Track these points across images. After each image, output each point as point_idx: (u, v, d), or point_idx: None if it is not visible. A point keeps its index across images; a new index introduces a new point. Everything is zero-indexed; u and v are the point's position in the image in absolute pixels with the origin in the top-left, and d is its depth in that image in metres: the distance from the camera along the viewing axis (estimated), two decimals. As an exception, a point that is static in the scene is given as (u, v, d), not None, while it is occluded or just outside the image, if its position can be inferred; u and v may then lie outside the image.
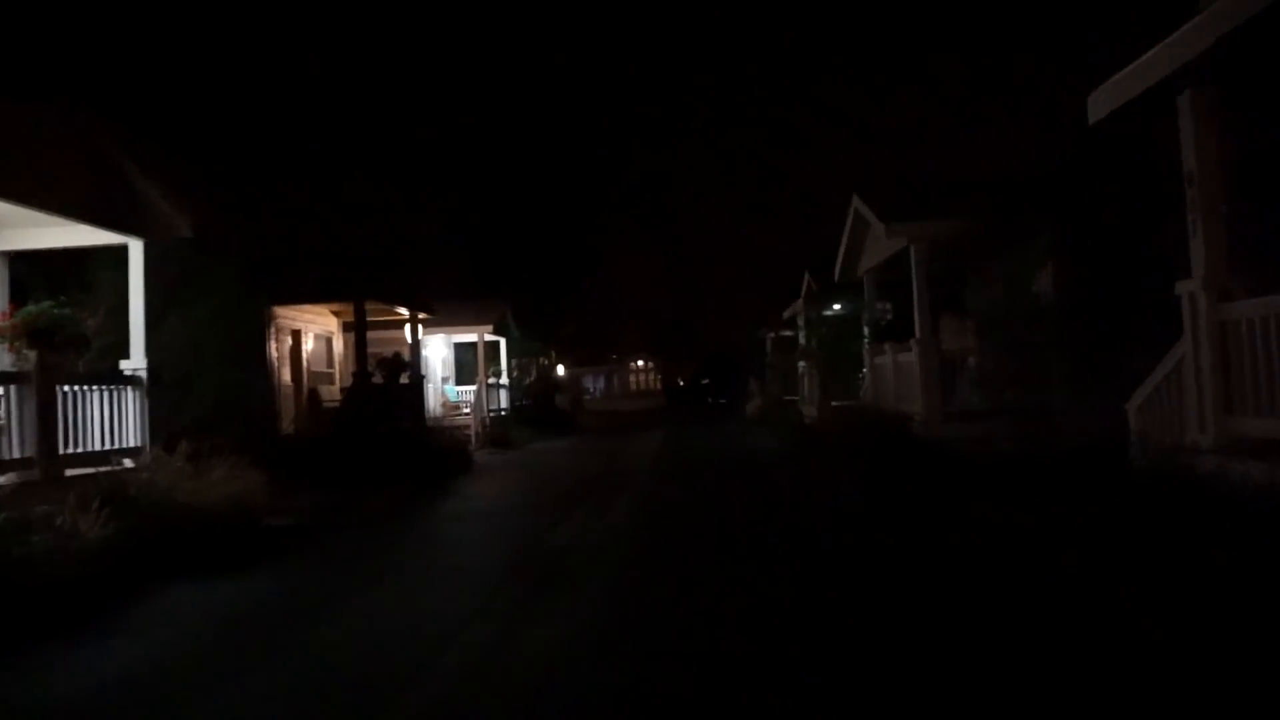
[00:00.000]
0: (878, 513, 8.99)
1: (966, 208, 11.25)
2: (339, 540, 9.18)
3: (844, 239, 14.34)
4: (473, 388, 23.49)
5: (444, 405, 24.74)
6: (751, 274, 35.32)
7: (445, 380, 25.74)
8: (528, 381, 33.18)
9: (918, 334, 11.41)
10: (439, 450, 15.82)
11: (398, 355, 16.38)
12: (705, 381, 52.85)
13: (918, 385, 11.34)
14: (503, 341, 26.39)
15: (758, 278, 34.58)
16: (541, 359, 36.21)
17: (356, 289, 14.78)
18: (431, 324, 22.87)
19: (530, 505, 11.35)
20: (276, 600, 6.45)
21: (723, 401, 46.84)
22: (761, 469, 14.07)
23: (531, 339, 32.87)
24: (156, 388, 8.94)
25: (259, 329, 14.66)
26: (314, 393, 16.42)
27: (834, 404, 19.28)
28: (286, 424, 15.53)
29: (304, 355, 16.57)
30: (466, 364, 26.08)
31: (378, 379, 16.21)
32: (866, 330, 20.97)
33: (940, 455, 10.26)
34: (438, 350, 25.40)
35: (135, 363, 8.90)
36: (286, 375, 16.04)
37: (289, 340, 16.16)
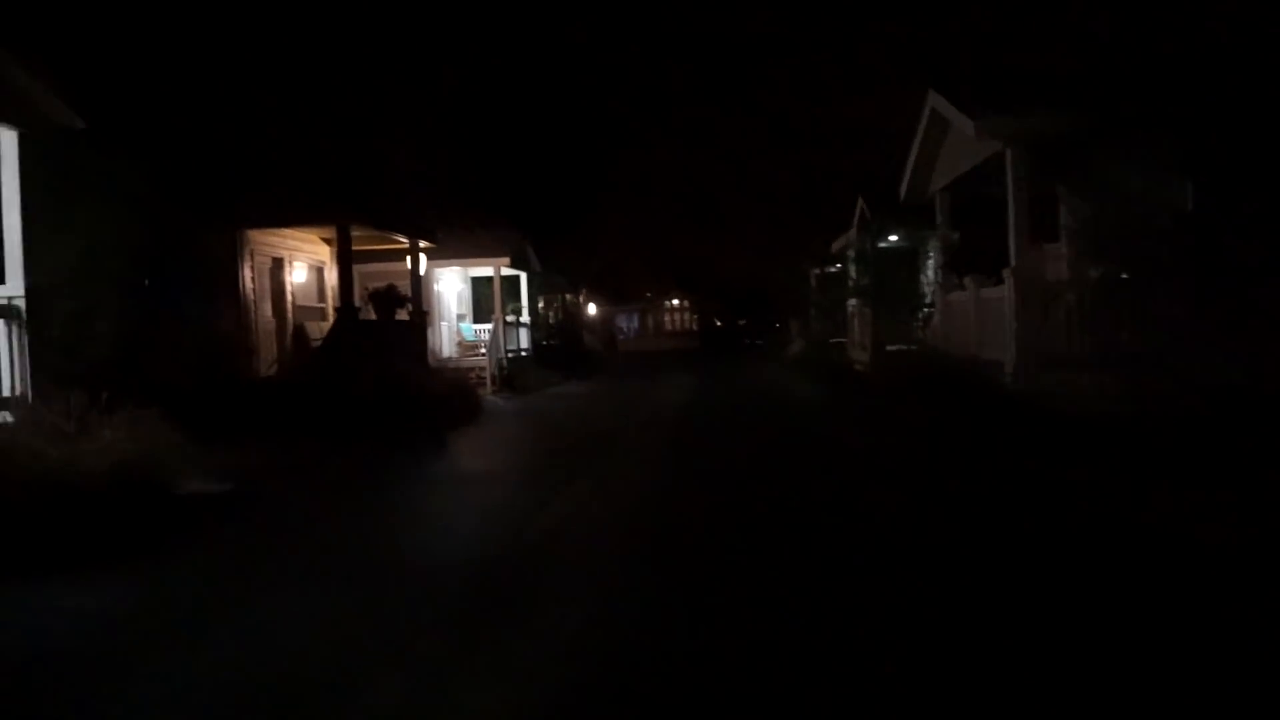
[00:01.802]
0: (978, 498, 6.83)
1: (1080, 102, 8.83)
2: (269, 515, 7.29)
3: (914, 149, 11.92)
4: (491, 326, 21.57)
5: (460, 345, 22.88)
6: (794, 205, 32.63)
7: (461, 318, 23.84)
8: (553, 320, 31.25)
9: (1013, 261, 9.11)
10: (441, 396, 13.91)
11: (392, 288, 14.39)
12: (742, 322, 50.57)
13: (1009, 326, 9.09)
14: (523, 276, 24.33)
15: (801, 209, 31.87)
16: (568, 296, 34.19)
17: (339, 210, 12.75)
18: (444, 256, 20.92)
19: (526, 469, 9.40)
20: (124, 615, 4.53)
21: (759, 343, 44.59)
22: (808, 426, 11.93)
23: (556, 274, 30.79)
24: (41, 320, 7.00)
25: (228, 255, 12.72)
26: (300, 330, 14.53)
27: (889, 348, 17.05)
28: (267, 365, 13.70)
29: (288, 287, 14.66)
30: (486, 300, 24.07)
31: (369, 314, 14.27)
32: (932, 260, 18.55)
33: (1041, 414, 8.06)
34: (452, 285, 23.44)
35: (10, 289, 6.96)
36: (268, 310, 14.15)
37: (269, 270, 14.23)
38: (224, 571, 5.54)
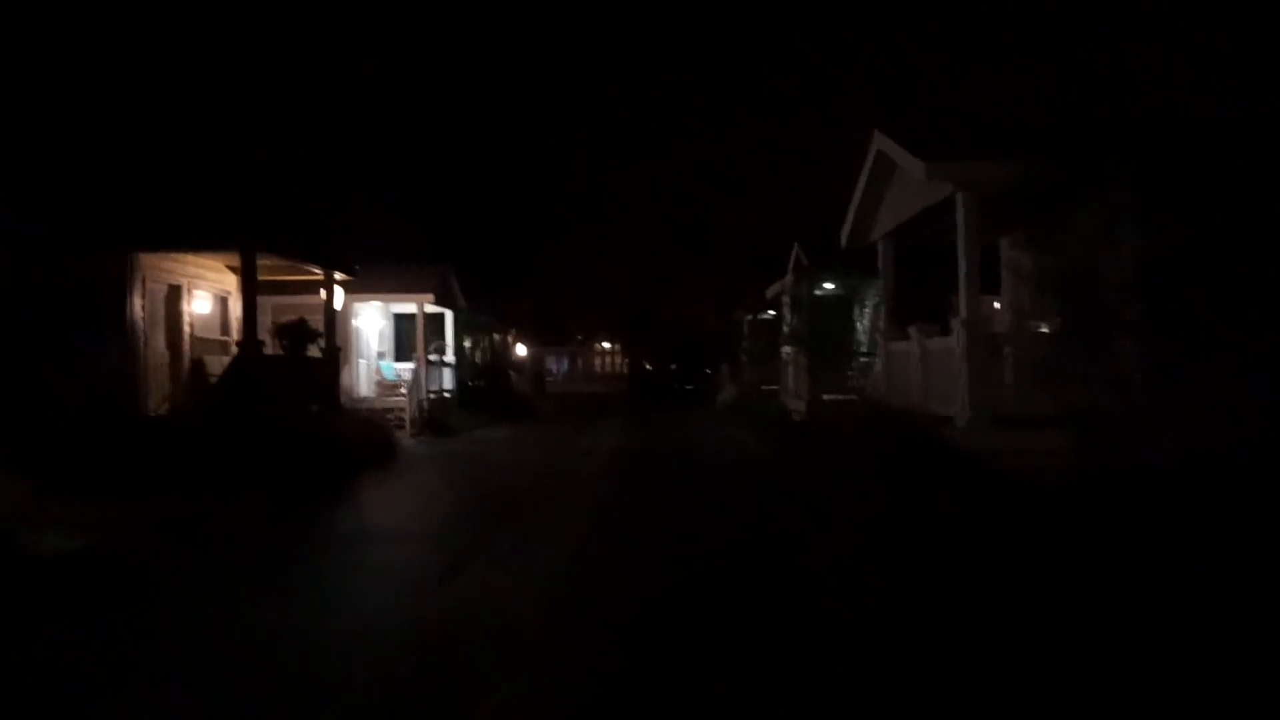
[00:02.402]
0: (928, 571, 6.18)
1: (1034, 149, 8.49)
2: (125, 582, 6.22)
3: (857, 193, 11.52)
4: (413, 365, 20.49)
5: (379, 384, 21.68)
6: (729, 251, 32.48)
7: (382, 355, 22.65)
8: (480, 360, 30.20)
9: (963, 311, 8.66)
10: (352, 440, 12.83)
11: (303, 322, 13.33)
12: (673, 367, 50.11)
13: (960, 379, 8.60)
14: (448, 314, 23.32)
15: (736, 256, 31.74)
16: (496, 336, 33.19)
17: (243, 236, 11.70)
18: (365, 290, 19.83)
19: (438, 525, 8.47)
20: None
21: (689, 388, 44.11)
22: (742, 485, 11.23)
23: (485, 313, 29.81)
24: None
25: (115, 280, 11.52)
26: (198, 365, 13.31)
27: (825, 397, 16.60)
28: (158, 403, 12.44)
29: (186, 317, 13.44)
30: (408, 338, 22.92)
31: (274, 350, 13.17)
32: (870, 309, 18.25)
33: (997, 476, 7.53)
34: (373, 321, 22.29)
35: None
36: (161, 342, 12.91)
37: (164, 298, 13.01)
38: (42, 661, 4.49)
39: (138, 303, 11.96)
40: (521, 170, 36.64)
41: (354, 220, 24.50)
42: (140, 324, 12.02)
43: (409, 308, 21.51)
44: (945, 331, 9.94)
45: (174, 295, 13.20)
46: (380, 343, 22.84)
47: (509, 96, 35.22)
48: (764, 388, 23.93)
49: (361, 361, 21.27)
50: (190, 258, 13.26)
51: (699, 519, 8.33)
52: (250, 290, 11.84)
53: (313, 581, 6.26)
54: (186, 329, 13.39)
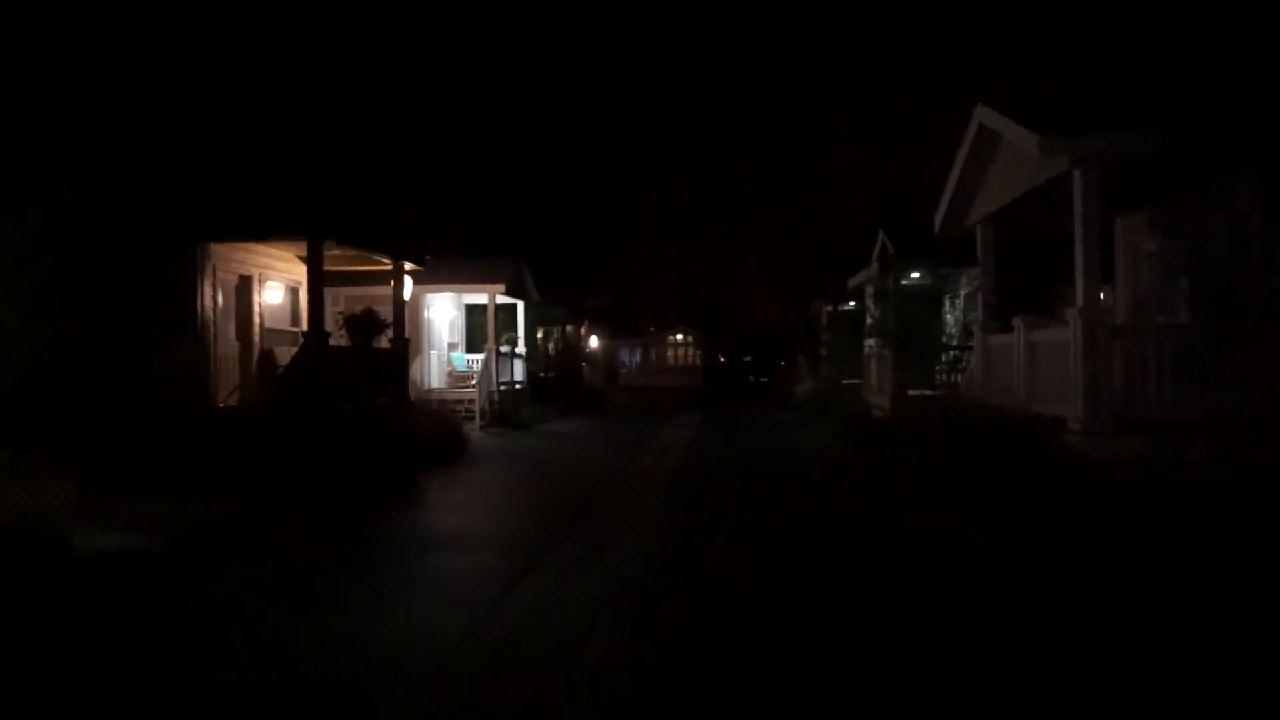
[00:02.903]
0: (1068, 616, 5.37)
1: (1163, 121, 7.53)
2: (178, 587, 5.88)
3: (954, 173, 10.60)
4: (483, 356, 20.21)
5: (450, 375, 21.55)
6: (805, 243, 31.46)
7: (453, 346, 22.50)
8: (552, 351, 29.92)
9: (1080, 300, 7.76)
10: (422, 434, 12.52)
11: (370, 312, 13.06)
12: (747, 359, 49.21)
13: (1075, 376, 7.70)
14: (520, 305, 23.01)
15: (813, 247, 30.72)
16: (569, 327, 32.89)
17: (310, 223, 11.44)
18: (437, 281, 19.64)
19: (502, 529, 7.98)
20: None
21: (764, 380, 43.24)
22: (829, 489, 10.45)
23: (557, 305, 29.51)
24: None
25: (186, 272, 11.40)
26: (268, 357, 13.19)
27: (911, 393, 15.66)
28: (227, 394, 12.34)
29: (257, 308, 13.32)
30: (480, 329, 22.69)
31: (343, 341, 12.93)
32: (962, 299, 17.22)
33: (1128, 488, 6.65)
34: (444, 312, 22.14)
35: None
36: (232, 333, 12.81)
37: (235, 289, 12.91)
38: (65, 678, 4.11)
39: (208, 294, 11.84)
40: (596, 162, 36.22)
41: (427, 213, 24.43)
42: (211, 315, 11.90)
43: (481, 299, 21.25)
44: (1052, 324, 9.03)
45: (245, 286, 13.08)
46: (452, 334, 22.69)
47: (584, 88, 34.85)
48: (844, 382, 22.98)
49: (433, 353, 21.12)
50: (260, 247, 13.12)
51: (781, 534, 7.63)
52: (317, 279, 11.58)
53: (363, 592, 5.81)
54: (257, 320, 13.27)
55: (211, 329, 11.91)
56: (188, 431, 10.00)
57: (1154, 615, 4.84)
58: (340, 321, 13.14)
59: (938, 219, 11.34)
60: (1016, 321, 9.37)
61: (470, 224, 28.12)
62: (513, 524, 8.28)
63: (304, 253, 13.62)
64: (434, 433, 13.17)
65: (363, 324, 12.86)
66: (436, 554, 7.00)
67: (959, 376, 16.40)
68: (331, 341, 12.71)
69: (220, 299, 12.32)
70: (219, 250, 12.05)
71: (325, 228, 11.45)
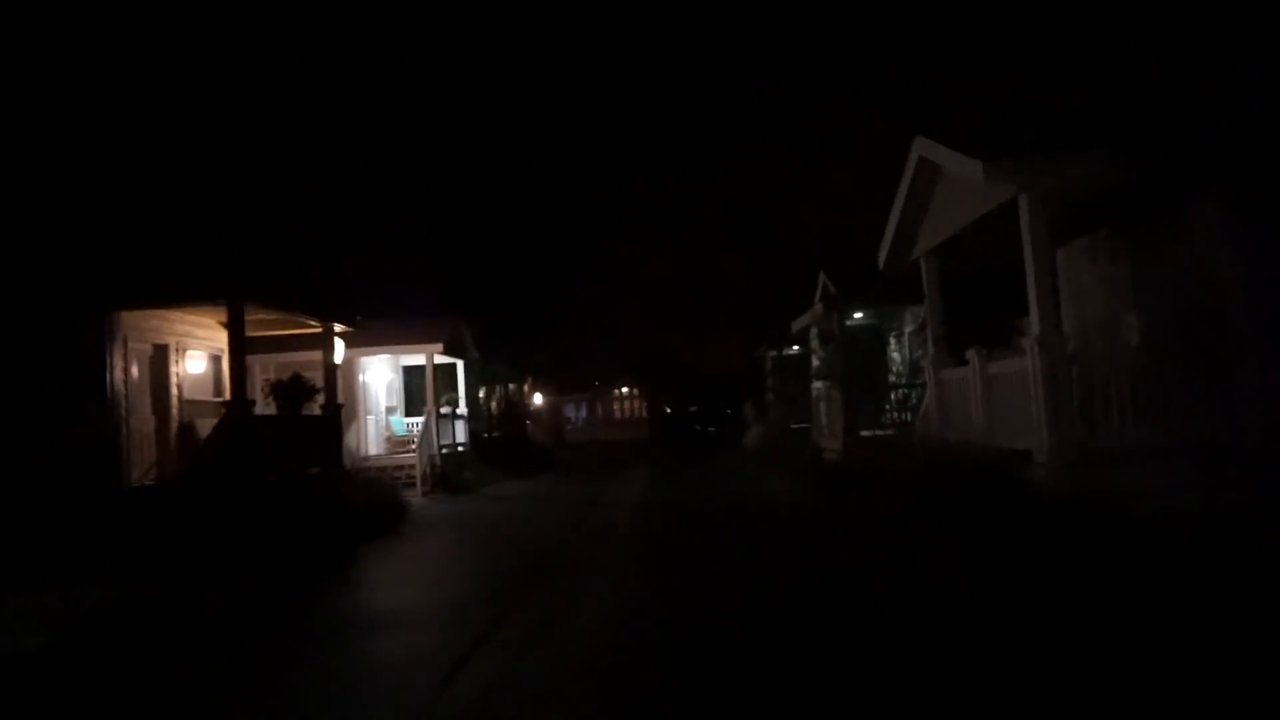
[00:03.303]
0: (1086, 676, 4.96)
1: (1104, 145, 7.45)
2: (70, 692, 5.13)
3: (896, 206, 10.46)
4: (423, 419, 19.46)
5: (389, 440, 20.72)
6: (747, 291, 31.50)
7: (391, 410, 21.69)
8: (495, 411, 29.18)
9: (1035, 328, 7.55)
10: (356, 504, 11.79)
11: (298, 378, 12.36)
12: (693, 409, 48.94)
13: (1037, 408, 7.45)
14: (460, 365, 22.37)
15: (754, 294, 30.75)
16: (512, 385, 32.23)
17: (228, 286, 10.78)
18: (372, 343, 18.96)
19: (448, 603, 7.32)
20: None
21: (711, 430, 42.95)
22: (791, 542, 10.01)
23: (499, 362, 28.89)
24: None
25: (92, 342, 10.61)
26: (188, 429, 12.35)
27: (864, 434, 15.44)
28: (142, 472, 11.45)
29: (174, 379, 12.50)
30: (420, 392, 21.93)
31: (268, 409, 12.19)
32: (907, 336, 17.13)
33: (1101, 524, 6.33)
34: (381, 375, 21.38)
35: None
36: (147, 406, 11.96)
37: (150, 360, 12.10)
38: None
39: (119, 365, 11.03)
40: (534, 217, 35.96)
41: (361, 273, 23.77)
42: (122, 388, 11.08)
43: (418, 359, 20.57)
44: (1014, 354, 8.82)
45: (160, 356, 12.27)
46: (389, 397, 21.89)
47: (521, 142, 34.72)
48: (792, 426, 22.77)
49: (370, 418, 20.30)
50: (176, 314, 12.37)
51: (747, 597, 7.12)
52: (239, 345, 10.88)
53: (283, 687, 5.13)
54: (175, 391, 12.44)
55: (123, 402, 11.08)
56: (93, 512, 9.16)
57: (1150, 666, 4.46)
58: (267, 389, 12.40)
59: (881, 255, 11.19)
60: (971, 354, 9.17)
61: (406, 283, 27.49)
62: (457, 598, 7.63)
63: (225, 318, 12.91)
64: (370, 502, 12.43)
65: (290, 390, 12.15)
66: (371, 636, 6.32)
67: (909, 414, 16.23)
68: (259, 410, 11.97)
69: (134, 370, 11.51)
70: (130, 318, 11.28)
71: (246, 291, 10.81)
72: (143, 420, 11.74)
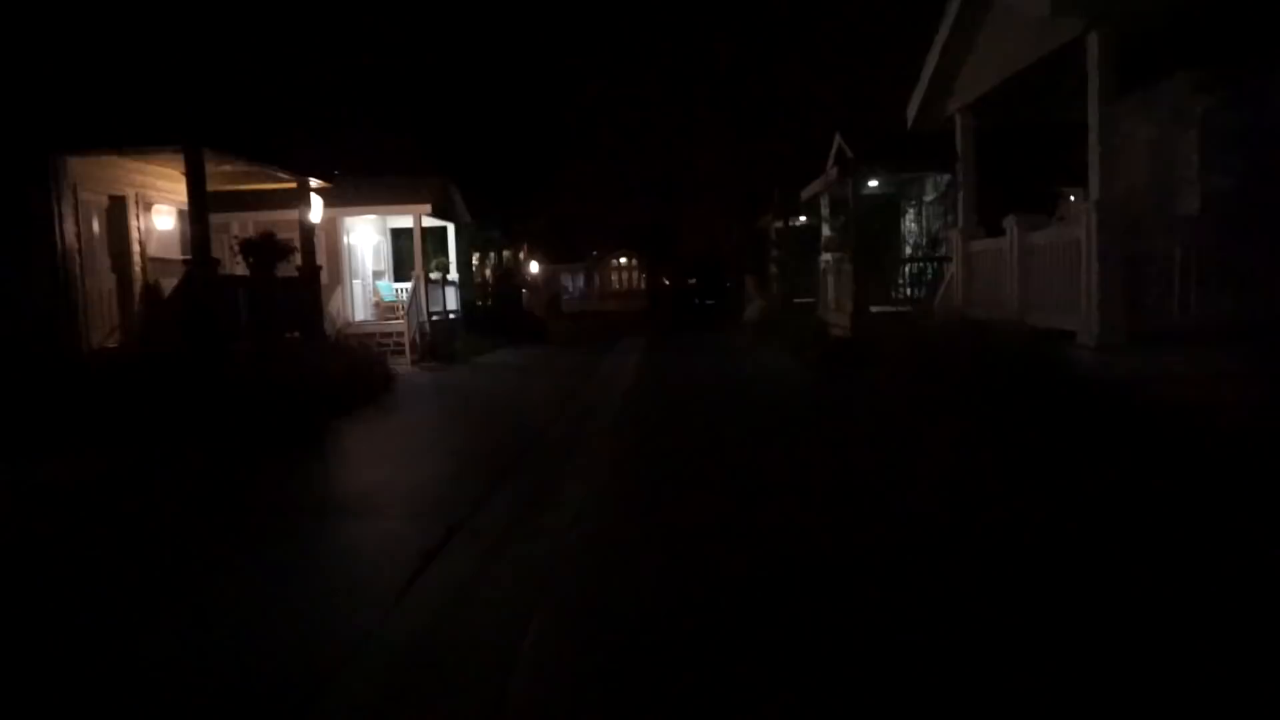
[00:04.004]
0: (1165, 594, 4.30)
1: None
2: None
3: (935, 50, 9.20)
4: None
5: (377, 306, 19.91)
6: (755, 155, 29.89)
7: (379, 275, 20.79)
8: (489, 278, 28.28)
9: (1095, 191, 6.60)
10: (338, 373, 11.09)
11: (269, 235, 11.41)
12: (692, 281, 48.01)
13: (1088, 281, 6.60)
14: (450, 228, 21.29)
15: (762, 159, 29.19)
16: (507, 253, 31.19)
17: (186, 129, 9.67)
18: (355, 203, 17.89)
19: (424, 485, 6.68)
20: None
21: (710, 303, 42.15)
22: (796, 422, 9.40)
23: (493, 229, 27.76)
24: None
25: (34, 192, 9.61)
26: (153, 290, 11.49)
27: (874, 310, 14.62)
28: (103, 336, 10.67)
29: (136, 234, 11.54)
30: (409, 257, 20.92)
31: (238, 269, 11.30)
32: (927, 204, 16.06)
33: (1167, 414, 5.59)
34: (367, 238, 20.36)
35: None
36: (105, 264, 11.06)
37: (107, 213, 11.11)
38: None
39: (69, 217, 10.06)
40: (531, 74, 33.89)
41: (344, 132, 22.28)
42: (75, 242, 10.15)
43: (407, 222, 19.49)
44: (1054, 224, 7.90)
45: (118, 208, 11.27)
46: (377, 261, 20.94)
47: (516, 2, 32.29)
48: (795, 301, 21.94)
49: (356, 282, 19.42)
50: (135, 163, 11.28)
51: (751, 482, 6.49)
52: (199, 197, 9.88)
53: (233, 585, 4.50)
54: (137, 247, 11.50)
55: (77, 259, 10.17)
56: (43, 380, 8.43)
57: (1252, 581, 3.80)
58: (236, 246, 11.47)
59: (911, 109, 10.03)
60: (1009, 222, 8.23)
61: (396, 145, 25.92)
62: (437, 477, 7.00)
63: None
64: (353, 371, 11.72)
65: (262, 249, 11.22)
66: (338, 521, 5.69)
67: (922, 291, 15.39)
68: (229, 271, 11.08)
69: (87, 224, 10.54)
70: (81, 166, 10.23)
71: (205, 136, 9.70)
72: (100, 279, 10.87)
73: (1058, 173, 9.36)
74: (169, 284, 11.67)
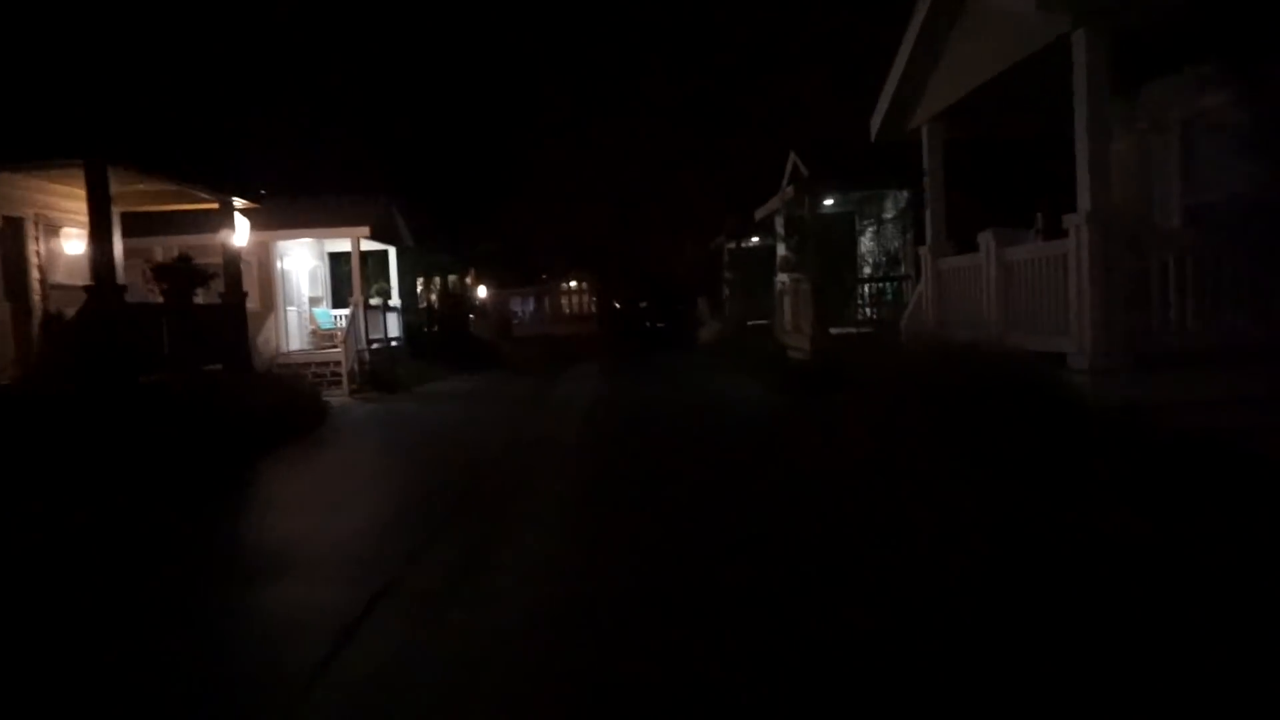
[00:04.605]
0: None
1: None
2: None
3: (901, 56, 8.66)
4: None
5: (315, 335, 18.85)
6: (707, 177, 29.53)
7: (316, 302, 19.76)
8: (435, 305, 27.31)
9: (1088, 202, 6.08)
10: (264, 408, 10.16)
11: (185, 259, 10.47)
12: (644, 304, 47.50)
13: (1079, 301, 6.07)
14: (392, 252, 20.37)
15: (711, 186, 28.86)
16: (453, 277, 30.25)
17: (86, 142, 8.74)
18: (290, 225, 16.94)
19: (352, 537, 5.83)
20: None
21: (661, 326, 41.62)
22: (765, 453, 8.75)
23: (437, 251, 26.81)
24: None
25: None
26: (54, 320, 10.43)
27: (834, 331, 14.12)
28: (-2, 370, 9.61)
29: (33, 259, 10.49)
30: (348, 281, 19.90)
31: (152, 295, 10.34)
32: (884, 227, 15.65)
33: (1157, 445, 5.03)
34: (303, 262, 19.35)
35: None
36: (-1, 291, 10.02)
37: (0, 236, 10.08)
38: None
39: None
40: (480, 97, 33.14)
41: (279, 151, 21.31)
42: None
43: (344, 245, 18.55)
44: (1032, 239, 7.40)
45: (14, 230, 10.25)
46: (314, 287, 19.91)
47: (462, 11, 31.58)
48: (750, 323, 21.46)
49: (291, 309, 18.39)
50: (35, 181, 10.28)
51: (721, 540, 5.79)
52: (101, 215, 8.94)
53: (125, 667, 3.64)
54: (35, 274, 10.47)
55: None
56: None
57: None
58: (149, 272, 10.51)
59: (875, 121, 9.51)
60: (985, 238, 7.71)
61: (336, 166, 24.92)
62: (364, 528, 6.16)
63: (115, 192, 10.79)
64: (282, 403, 10.81)
65: (177, 274, 10.28)
66: (243, 588, 4.82)
67: (882, 311, 14.95)
68: (140, 299, 10.12)
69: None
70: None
71: (107, 149, 8.78)
72: (-4, 307, 9.83)
73: (1033, 186, 8.92)
74: (74, 314, 10.66)
